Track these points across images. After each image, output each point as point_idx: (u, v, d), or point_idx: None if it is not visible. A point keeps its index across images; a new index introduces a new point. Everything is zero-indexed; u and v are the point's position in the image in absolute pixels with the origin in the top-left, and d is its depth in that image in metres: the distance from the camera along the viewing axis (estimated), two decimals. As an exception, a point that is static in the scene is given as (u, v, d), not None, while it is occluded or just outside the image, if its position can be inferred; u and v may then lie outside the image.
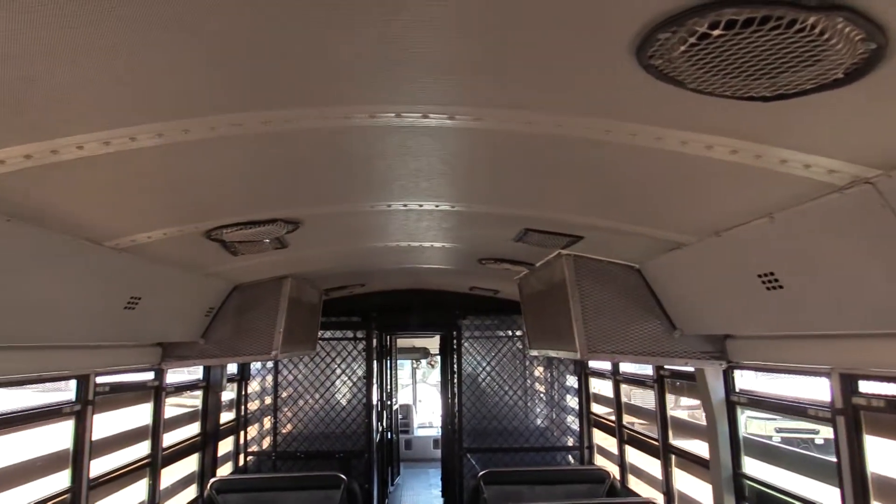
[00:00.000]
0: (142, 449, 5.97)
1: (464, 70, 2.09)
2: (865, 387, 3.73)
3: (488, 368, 9.64)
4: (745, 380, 5.14)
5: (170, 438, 6.52)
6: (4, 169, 2.42)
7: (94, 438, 4.91)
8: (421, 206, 3.79)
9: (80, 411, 4.75)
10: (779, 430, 16.30)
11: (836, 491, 3.88)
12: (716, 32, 1.58)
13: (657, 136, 2.38)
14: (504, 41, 1.86)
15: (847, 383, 3.75)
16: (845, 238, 2.73)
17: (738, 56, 1.69)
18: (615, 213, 3.69)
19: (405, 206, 3.78)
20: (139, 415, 6.13)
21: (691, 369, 5.24)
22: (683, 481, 6.19)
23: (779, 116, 2.13)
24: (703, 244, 3.69)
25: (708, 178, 2.81)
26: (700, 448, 5.83)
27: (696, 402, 8.74)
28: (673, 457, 6.21)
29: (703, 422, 6.30)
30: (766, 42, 1.61)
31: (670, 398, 6.37)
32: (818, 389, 4.44)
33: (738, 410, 5.01)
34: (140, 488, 5.94)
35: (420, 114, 2.38)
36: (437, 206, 3.84)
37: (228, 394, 8.64)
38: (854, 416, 3.71)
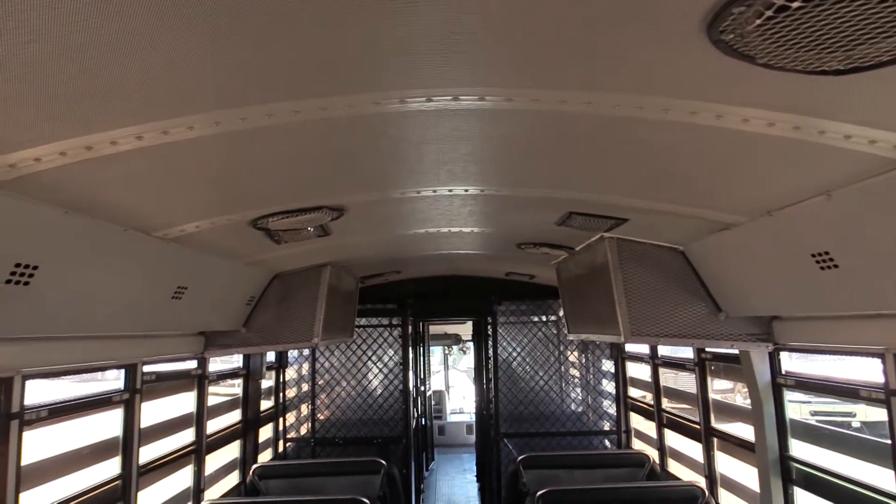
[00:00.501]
0: (187, 436, 6.07)
1: (519, 50, 2.07)
2: (921, 367, 3.67)
3: (523, 354, 9.63)
4: (788, 363, 5.07)
5: (213, 426, 6.61)
6: (64, 161, 2.45)
7: (142, 426, 5.00)
8: (466, 190, 3.78)
9: (129, 400, 4.83)
10: (814, 414, 16.12)
11: (889, 472, 3.83)
12: (795, 4, 1.53)
13: (718, 113, 2.34)
14: (560, 19, 1.83)
15: (902, 363, 3.69)
16: (907, 215, 2.67)
17: (815, 28, 1.65)
18: (663, 194, 3.64)
19: (450, 190, 3.77)
20: (183, 403, 6.23)
21: (735, 352, 5.19)
22: (725, 465, 6.15)
23: (847, 90, 2.08)
24: (753, 224, 3.63)
25: (765, 157, 2.75)
26: (741, 431, 5.78)
27: (730, 385, 8.65)
28: (715, 440, 6.16)
29: (739, 404, 6.26)
30: (847, 13, 1.57)
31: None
32: (861, 372, 4.40)
33: (785, 393, 4.95)
34: (186, 474, 6.04)
35: (476, 96, 2.36)
36: (482, 191, 3.82)
37: (267, 382, 8.74)
38: (910, 397, 3.66)
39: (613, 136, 2.81)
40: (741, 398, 7.34)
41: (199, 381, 6.18)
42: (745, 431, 5.65)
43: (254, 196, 3.56)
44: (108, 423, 4.87)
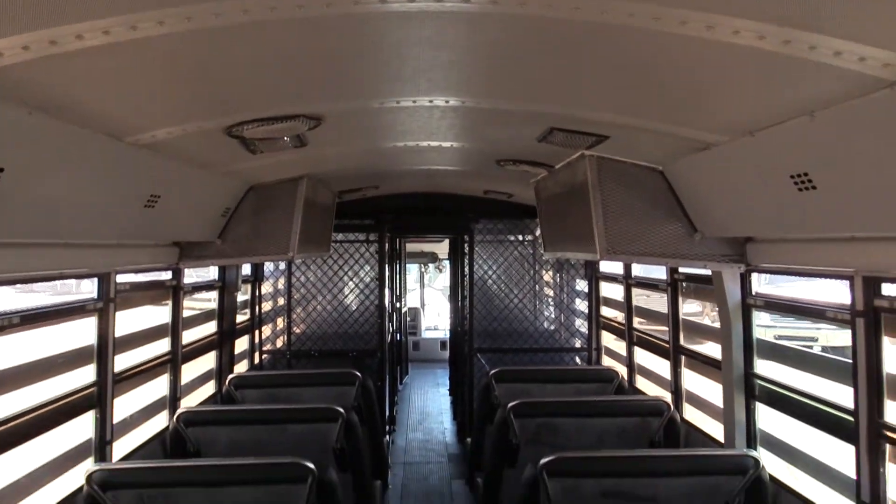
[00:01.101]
0: (163, 346, 6.10)
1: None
2: (888, 290, 3.77)
3: (499, 272, 9.72)
4: (757, 285, 5.18)
5: (189, 337, 6.64)
6: (28, 56, 2.33)
7: (116, 336, 5.00)
8: (447, 101, 3.69)
9: (103, 309, 4.80)
10: (778, 338, 16.65)
11: (847, 389, 3.97)
12: None
13: (708, 24, 2.28)
14: None
15: (870, 286, 3.77)
16: (891, 137, 2.66)
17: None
18: (646, 111, 3.59)
19: (430, 101, 3.68)
20: (159, 314, 6.23)
21: (707, 272, 5.27)
22: (691, 382, 6.34)
23: (842, 1, 2.02)
24: (734, 144, 3.61)
25: (752, 73, 2.70)
26: (708, 350, 5.95)
27: (699, 308, 8.82)
28: (682, 358, 6.33)
29: (708, 324, 6.41)
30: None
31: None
32: (821, 294, 4.51)
33: (753, 313, 5.06)
34: (162, 383, 6.10)
35: (460, -1, 2.27)
36: (462, 103, 3.73)
37: (243, 295, 8.76)
38: (875, 318, 3.75)
39: (599, 46, 2.73)
40: (709, 321, 7.53)
41: (174, 292, 6.17)
42: (711, 350, 5.81)
43: (228, 101, 3.44)
44: (84, 333, 4.86)
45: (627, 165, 4.81)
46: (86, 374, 4.79)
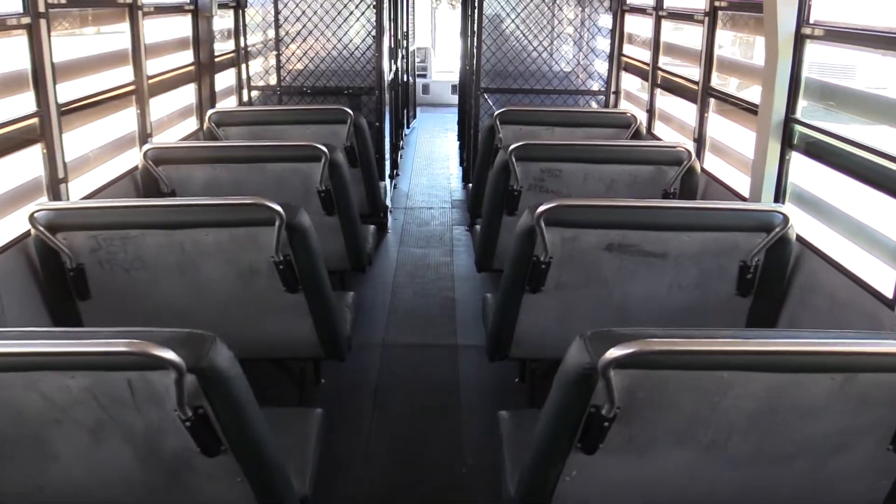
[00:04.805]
0: (124, 76, 5.39)
1: None
2: None
3: (516, 8, 8.65)
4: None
5: (157, 67, 5.91)
6: None
7: (59, 61, 4.30)
8: None
9: (32, 25, 4.04)
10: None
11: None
12: None
13: None
14: None
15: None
16: None
17: None
18: None
19: None
20: (115, 40, 5.44)
21: (757, -6, 4.34)
22: (717, 129, 5.67)
23: None
24: None
25: None
26: (744, 94, 5.20)
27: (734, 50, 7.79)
28: (711, 101, 5.59)
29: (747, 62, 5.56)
30: None
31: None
32: None
33: (807, 45, 4.22)
34: (129, 118, 5.51)
35: None
36: None
37: (226, 23, 7.84)
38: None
39: None
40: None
41: (131, 11, 5.32)
42: (748, 94, 5.06)
43: None
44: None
45: None
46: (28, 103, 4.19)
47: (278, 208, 3.59)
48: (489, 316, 4.44)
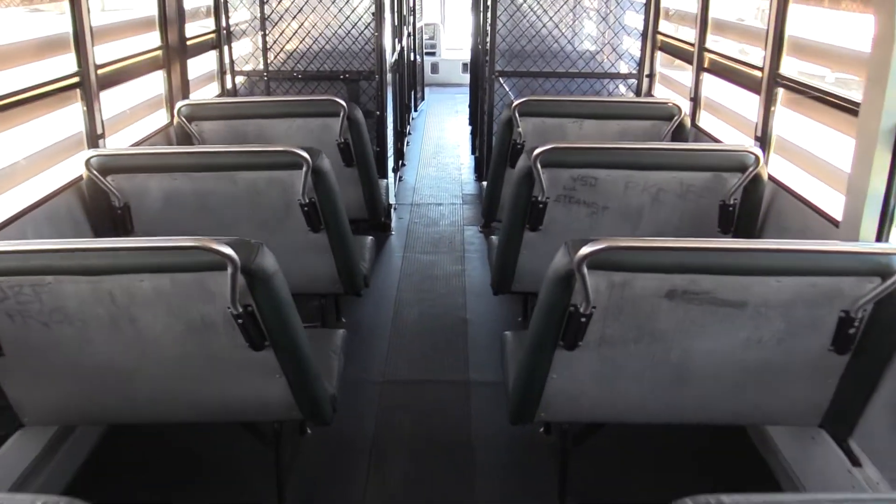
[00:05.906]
0: (66, 66, 4.44)
1: None
2: None
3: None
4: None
5: (109, 53, 4.95)
6: None
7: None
8: None
9: None
10: None
11: None
12: None
13: None
14: None
15: None
16: None
17: None
18: None
19: None
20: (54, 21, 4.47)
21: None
22: (786, 127, 4.67)
23: None
24: None
25: None
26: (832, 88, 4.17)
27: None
28: (781, 92, 4.57)
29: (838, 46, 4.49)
30: None
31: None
32: None
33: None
34: (74, 116, 4.56)
35: None
36: None
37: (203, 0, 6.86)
38: None
39: None
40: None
41: None
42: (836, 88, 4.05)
43: None
44: None
45: None
46: None
47: (231, 252, 2.64)
48: (509, 374, 3.53)
